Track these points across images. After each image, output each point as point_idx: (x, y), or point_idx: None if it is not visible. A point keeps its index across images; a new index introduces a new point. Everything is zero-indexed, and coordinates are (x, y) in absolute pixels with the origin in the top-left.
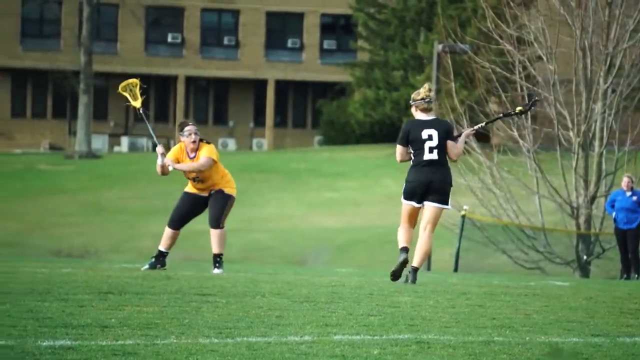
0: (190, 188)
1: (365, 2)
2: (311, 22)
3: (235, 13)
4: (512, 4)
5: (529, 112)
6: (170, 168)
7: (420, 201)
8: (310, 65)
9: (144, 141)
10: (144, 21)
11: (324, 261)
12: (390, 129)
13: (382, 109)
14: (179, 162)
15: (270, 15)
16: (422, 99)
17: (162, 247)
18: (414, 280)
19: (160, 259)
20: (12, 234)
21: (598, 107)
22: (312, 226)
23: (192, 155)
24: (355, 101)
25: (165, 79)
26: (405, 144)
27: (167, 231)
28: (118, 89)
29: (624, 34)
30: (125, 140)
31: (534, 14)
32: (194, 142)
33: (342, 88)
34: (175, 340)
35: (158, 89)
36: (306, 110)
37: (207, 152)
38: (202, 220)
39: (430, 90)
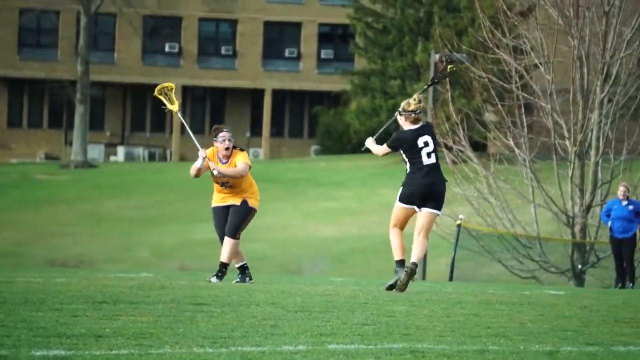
0: (216, 200)
1: (363, 12)
2: (309, 32)
3: (233, 23)
4: (509, 13)
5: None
6: (215, 172)
7: (419, 205)
8: (308, 75)
9: (140, 151)
10: (141, 31)
11: (320, 270)
12: (387, 138)
13: (378, 118)
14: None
15: (268, 25)
16: (413, 111)
17: (236, 265)
18: (413, 270)
19: (246, 272)
20: (10, 244)
21: (594, 116)
22: (309, 235)
23: (224, 161)
24: (351, 111)
25: None
26: (394, 149)
27: None
28: (154, 92)
29: (620, 43)
30: (121, 150)
31: (532, 24)
32: (227, 148)
33: (337, 95)
34: (169, 350)
35: (155, 99)
36: (303, 119)
37: (243, 159)
38: (200, 230)
39: (419, 102)
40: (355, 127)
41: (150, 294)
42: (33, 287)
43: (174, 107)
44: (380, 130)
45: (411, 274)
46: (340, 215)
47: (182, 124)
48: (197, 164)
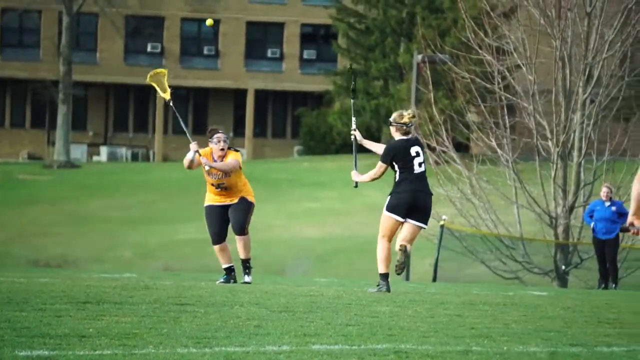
0: (210, 200)
1: (346, 12)
2: (291, 32)
3: (216, 23)
4: (492, 14)
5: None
6: (207, 167)
7: (404, 215)
8: (290, 75)
9: (123, 151)
10: (123, 31)
11: (304, 271)
12: (370, 138)
13: (361, 119)
14: None
15: (250, 25)
16: (405, 123)
17: (224, 265)
18: (406, 248)
19: (232, 273)
20: None
21: (577, 117)
22: (292, 236)
23: (219, 162)
24: (334, 111)
25: (145, 88)
26: (389, 162)
27: (215, 248)
28: (147, 78)
29: (602, 44)
30: (104, 150)
31: (515, 24)
32: (222, 149)
33: (320, 95)
34: (153, 350)
35: (137, 99)
36: (286, 120)
37: (234, 156)
38: (184, 230)
39: (413, 116)
40: (338, 127)
41: (134, 294)
42: (16, 287)
43: (166, 94)
44: (355, 160)
45: (405, 252)
46: (323, 216)
47: (166, 121)
48: (189, 155)
